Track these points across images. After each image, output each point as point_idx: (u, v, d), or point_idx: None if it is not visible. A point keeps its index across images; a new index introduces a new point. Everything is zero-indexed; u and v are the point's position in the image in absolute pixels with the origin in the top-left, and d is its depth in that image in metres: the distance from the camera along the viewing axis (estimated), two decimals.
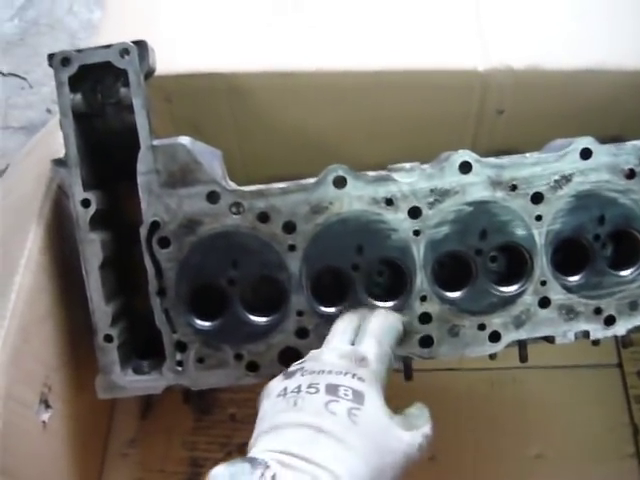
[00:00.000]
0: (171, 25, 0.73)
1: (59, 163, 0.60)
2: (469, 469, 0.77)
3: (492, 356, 0.64)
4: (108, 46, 0.59)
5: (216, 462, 0.78)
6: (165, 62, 0.63)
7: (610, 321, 0.62)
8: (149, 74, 0.61)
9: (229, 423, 0.82)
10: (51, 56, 0.59)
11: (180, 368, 0.61)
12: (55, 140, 0.68)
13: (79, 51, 0.59)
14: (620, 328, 0.63)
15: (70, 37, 1.31)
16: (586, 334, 0.63)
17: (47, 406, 0.65)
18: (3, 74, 1.33)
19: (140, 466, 0.80)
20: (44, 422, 0.64)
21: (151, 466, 0.80)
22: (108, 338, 0.62)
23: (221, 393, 0.83)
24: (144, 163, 0.59)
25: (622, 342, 0.68)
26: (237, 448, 0.80)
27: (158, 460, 0.80)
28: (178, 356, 0.61)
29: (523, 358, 0.65)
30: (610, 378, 0.82)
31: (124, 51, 0.59)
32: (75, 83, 0.60)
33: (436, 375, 0.80)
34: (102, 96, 0.61)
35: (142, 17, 0.75)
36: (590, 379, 0.82)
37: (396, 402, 0.79)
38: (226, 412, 0.83)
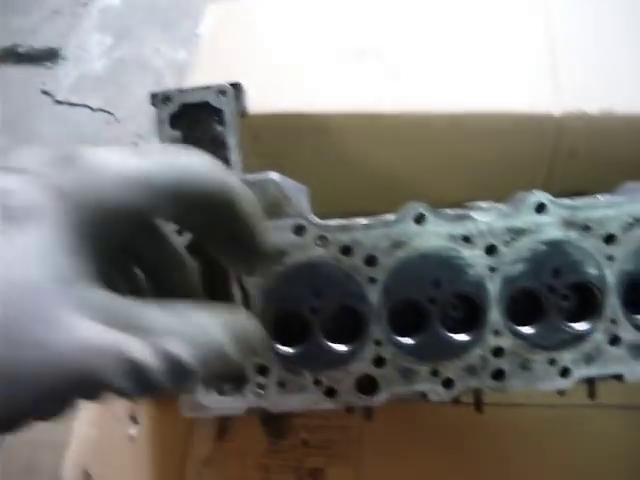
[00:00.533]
0: (260, 66, 0.78)
1: None
2: None
3: (561, 392, 0.66)
4: (207, 87, 0.63)
5: None
6: (253, 101, 0.68)
7: None
8: (242, 114, 0.65)
9: (301, 448, 0.84)
10: (154, 95, 0.64)
11: (261, 391, 0.64)
12: None
13: (180, 90, 0.64)
14: None
15: (156, 75, 1.38)
16: None
17: (135, 421, 0.69)
18: (92, 109, 1.40)
19: None
20: (131, 436, 0.68)
21: None
22: None
23: (295, 419, 0.86)
24: None
25: None
26: (308, 472, 0.82)
27: None
28: (260, 379, 0.64)
29: (592, 395, 0.66)
30: None
31: (221, 92, 0.63)
32: (174, 120, 0.65)
33: (503, 410, 0.81)
34: (198, 134, 0.65)
35: (231, 59, 0.80)
36: None
37: (463, 434, 0.82)
38: (299, 437, 0.85)
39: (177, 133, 0.65)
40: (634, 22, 0.79)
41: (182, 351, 0.33)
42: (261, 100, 0.73)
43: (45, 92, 1.56)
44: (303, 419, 0.86)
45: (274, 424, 0.86)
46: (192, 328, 0.35)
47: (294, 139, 0.76)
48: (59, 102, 1.49)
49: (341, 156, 0.77)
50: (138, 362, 0.32)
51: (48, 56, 1.57)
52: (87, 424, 0.61)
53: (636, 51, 0.77)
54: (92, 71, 1.43)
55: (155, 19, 1.45)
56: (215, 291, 0.70)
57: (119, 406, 0.66)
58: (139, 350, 0.32)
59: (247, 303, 0.63)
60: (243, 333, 0.39)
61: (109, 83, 1.42)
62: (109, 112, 1.38)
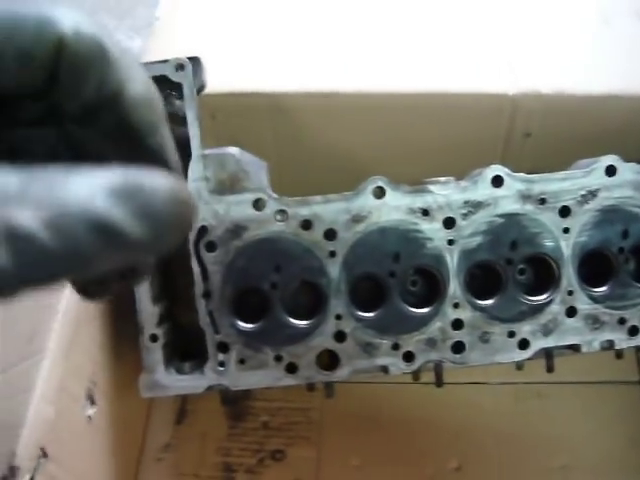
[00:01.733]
0: (217, 46, 0.77)
1: None
2: (495, 479, 0.79)
3: (519, 366, 0.67)
4: (164, 61, 0.63)
5: (249, 467, 0.82)
6: (211, 81, 0.67)
7: (634, 331, 0.65)
8: (201, 89, 0.64)
9: (262, 430, 0.84)
10: None
11: (222, 368, 0.64)
12: None
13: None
14: None
15: None
16: (611, 343, 0.65)
17: (92, 402, 0.68)
18: None
19: (174, 470, 0.82)
20: (89, 417, 0.67)
21: (185, 470, 0.82)
22: (154, 337, 0.64)
23: (254, 401, 0.86)
24: (195, 171, 0.63)
25: None
26: (269, 454, 0.82)
27: (192, 465, 0.82)
28: (220, 357, 0.64)
29: (550, 368, 0.67)
30: (632, 394, 0.85)
31: (179, 66, 0.63)
32: None
33: (462, 388, 0.82)
34: None
35: (188, 39, 0.79)
36: (613, 395, 0.84)
37: (423, 412, 0.83)
38: (259, 420, 0.85)
39: None
40: (586, 4, 0.81)
41: (31, 222, 0.25)
42: (218, 80, 0.73)
43: None
44: (263, 402, 0.86)
45: (234, 407, 0.86)
46: (51, 192, 0.26)
47: (251, 118, 0.75)
48: None
49: (298, 135, 0.77)
50: None
51: None
52: (43, 403, 0.60)
53: (585, 35, 0.78)
54: None
55: (110, 6, 1.44)
56: (172, 267, 0.70)
57: (76, 386, 0.65)
58: None
59: (206, 279, 0.63)
60: (145, 201, 0.27)
61: None
62: None
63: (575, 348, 0.65)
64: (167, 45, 0.81)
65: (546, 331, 0.64)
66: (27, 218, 0.25)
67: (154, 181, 0.28)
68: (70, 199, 0.26)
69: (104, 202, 0.26)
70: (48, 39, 0.30)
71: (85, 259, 0.26)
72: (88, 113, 0.34)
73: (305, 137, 0.77)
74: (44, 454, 0.59)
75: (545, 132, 0.77)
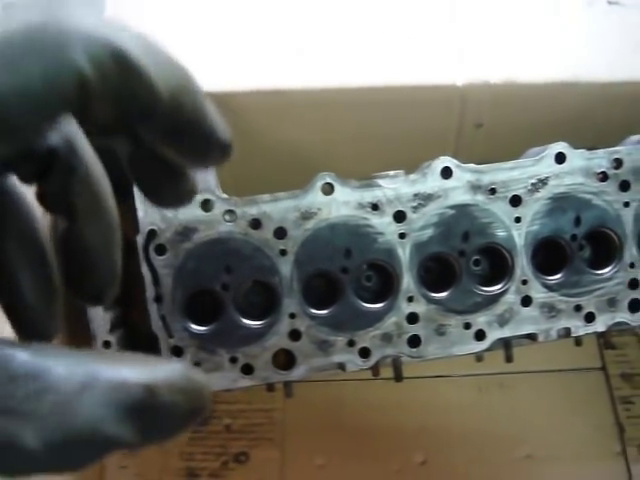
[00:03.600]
0: (161, 45, 0.76)
1: None
2: (460, 471, 0.79)
3: (479, 358, 0.66)
4: None
5: (212, 471, 0.81)
6: None
7: (590, 318, 0.65)
8: None
9: (224, 434, 0.84)
10: None
11: None
12: None
13: None
14: (600, 325, 0.65)
15: None
16: (568, 331, 0.65)
17: None
18: None
19: (138, 477, 0.81)
20: None
21: (149, 477, 0.81)
22: (107, 344, 0.64)
23: (216, 404, 0.85)
24: None
25: (605, 344, 0.71)
26: (233, 457, 0.82)
27: (155, 471, 0.81)
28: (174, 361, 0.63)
29: (509, 358, 0.67)
30: (595, 381, 0.85)
31: None
32: None
33: (424, 382, 0.82)
34: None
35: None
36: (576, 382, 0.84)
37: (386, 408, 0.83)
38: (221, 423, 0.84)
39: None
40: None
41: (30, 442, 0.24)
42: None
43: None
44: (225, 405, 0.85)
45: None
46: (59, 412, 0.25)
47: None
48: None
49: (248, 134, 0.76)
50: None
51: None
52: None
53: (535, 22, 0.78)
54: None
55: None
56: (124, 272, 0.69)
57: None
58: None
59: (157, 283, 0.62)
60: (157, 420, 0.27)
61: None
62: None
63: (532, 337, 0.65)
64: None
65: (502, 321, 0.64)
66: (28, 437, 0.24)
67: (172, 387, 0.27)
68: (77, 422, 0.25)
69: (113, 425, 0.26)
70: (64, 88, 0.27)
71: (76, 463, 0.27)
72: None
73: (255, 136, 0.76)
74: None
75: (496, 122, 0.77)
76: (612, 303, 0.65)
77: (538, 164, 0.64)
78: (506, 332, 0.64)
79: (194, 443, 0.83)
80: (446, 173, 0.63)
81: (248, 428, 0.83)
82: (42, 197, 0.36)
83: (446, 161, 0.63)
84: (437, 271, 0.65)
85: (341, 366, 0.63)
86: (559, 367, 0.85)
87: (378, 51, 0.75)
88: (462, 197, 0.63)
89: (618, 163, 0.65)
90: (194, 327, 0.63)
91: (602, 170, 0.64)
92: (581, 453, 0.80)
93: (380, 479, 0.81)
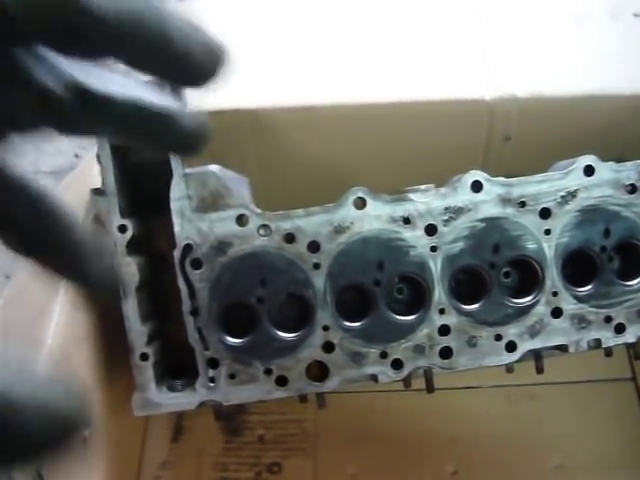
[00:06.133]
0: None
1: (98, 192, 0.65)
2: None
3: (509, 369, 0.67)
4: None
5: None
6: (191, 100, 0.68)
7: (620, 329, 0.65)
8: None
9: (258, 444, 0.85)
10: None
11: (212, 384, 0.64)
12: (86, 180, 0.73)
13: None
14: (630, 336, 0.66)
15: None
16: (598, 342, 0.65)
17: None
18: None
19: None
20: (84, 438, 0.67)
21: None
22: (144, 356, 0.65)
23: (250, 415, 0.86)
24: (177, 190, 0.63)
25: (635, 355, 0.71)
26: (266, 468, 0.83)
27: None
28: (210, 372, 0.64)
29: (539, 369, 0.67)
30: (625, 391, 0.85)
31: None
32: None
33: (455, 393, 0.83)
34: None
35: None
36: (606, 393, 0.85)
37: (417, 418, 0.83)
38: (255, 434, 0.85)
39: None
40: (560, 5, 0.81)
41: None
42: (198, 98, 0.73)
43: None
44: (258, 415, 0.86)
45: (229, 422, 0.86)
46: None
47: (233, 136, 0.76)
48: None
49: (281, 149, 0.77)
50: None
51: None
52: None
53: (562, 36, 0.79)
54: None
55: None
56: (160, 285, 0.71)
57: None
58: None
59: (193, 296, 0.64)
60: None
61: None
62: None
63: (562, 348, 0.66)
64: None
65: (533, 333, 0.65)
66: None
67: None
68: None
69: None
70: None
71: None
72: None
73: (287, 151, 0.78)
74: (40, 477, 0.59)
75: (524, 135, 0.77)
76: None
77: (567, 177, 0.64)
78: (537, 343, 0.65)
79: (228, 454, 0.84)
80: (476, 187, 0.64)
81: (281, 439, 0.84)
82: None
83: (476, 175, 0.64)
84: (468, 283, 0.66)
85: (374, 378, 0.64)
86: (589, 378, 0.85)
87: (407, 67, 0.76)
88: (492, 210, 0.64)
89: None
90: (229, 339, 0.64)
91: (631, 182, 0.65)
92: (611, 464, 0.80)
93: None
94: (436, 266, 0.64)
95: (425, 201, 0.63)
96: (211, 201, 0.63)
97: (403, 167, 0.79)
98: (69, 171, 1.04)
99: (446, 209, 0.64)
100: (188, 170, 0.64)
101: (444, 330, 0.64)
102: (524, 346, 0.65)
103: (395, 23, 0.80)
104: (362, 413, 0.85)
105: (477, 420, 0.83)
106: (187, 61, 0.33)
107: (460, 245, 0.64)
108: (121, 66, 0.33)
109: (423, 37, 0.79)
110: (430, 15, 0.81)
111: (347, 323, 0.64)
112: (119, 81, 0.34)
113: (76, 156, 1.29)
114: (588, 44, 0.78)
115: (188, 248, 0.64)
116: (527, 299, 0.65)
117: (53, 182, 1.21)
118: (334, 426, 0.85)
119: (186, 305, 0.64)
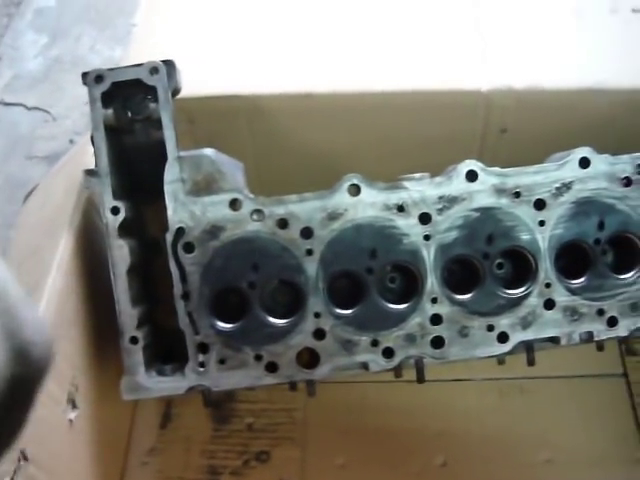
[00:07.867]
0: (194, 50, 0.78)
1: (91, 173, 0.64)
2: (480, 474, 0.79)
3: (501, 361, 0.67)
4: (139, 65, 0.63)
5: (234, 469, 0.82)
6: (188, 85, 0.68)
7: (613, 322, 0.65)
8: (176, 92, 0.65)
9: (246, 432, 0.84)
10: (85, 74, 0.64)
11: (202, 369, 0.64)
12: (82, 160, 0.73)
13: (111, 69, 0.64)
14: (622, 329, 0.65)
15: None
16: (590, 335, 0.65)
17: (74, 406, 0.67)
18: (28, 108, 1.39)
19: (160, 474, 0.82)
20: (70, 420, 0.67)
21: (170, 474, 0.82)
22: (134, 340, 0.64)
23: (239, 403, 0.86)
24: (171, 173, 0.63)
25: (627, 350, 0.71)
26: (254, 456, 0.82)
27: (177, 468, 0.82)
28: (200, 357, 0.64)
29: (531, 361, 0.67)
30: (616, 387, 0.85)
31: (154, 69, 0.63)
32: (107, 99, 0.64)
33: (445, 385, 0.83)
34: (132, 112, 0.65)
35: (166, 44, 0.80)
36: (597, 388, 0.85)
37: (407, 410, 0.83)
38: (243, 422, 0.85)
39: (110, 112, 0.64)
40: (560, 0, 0.81)
41: None
42: (195, 83, 0.73)
43: None
44: (247, 404, 0.86)
45: (218, 410, 0.86)
46: None
47: (229, 121, 0.76)
48: None
49: (276, 136, 0.77)
50: None
51: None
52: None
53: (560, 29, 0.79)
54: (27, 70, 1.42)
55: (91, 18, 1.44)
56: (151, 269, 0.70)
57: (57, 390, 0.65)
58: None
59: (184, 280, 0.63)
60: None
61: (45, 82, 1.41)
62: (45, 110, 1.37)
63: (555, 340, 0.66)
64: (146, 51, 0.81)
65: (525, 324, 0.65)
66: None
67: None
68: None
69: None
70: None
71: None
72: None
73: (283, 137, 0.77)
74: (24, 457, 0.59)
75: (520, 127, 0.77)
76: (635, 308, 0.65)
77: (562, 168, 0.64)
78: (529, 335, 0.65)
79: (216, 441, 0.84)
80: (471, 176, 0.63)
81: (270, 427, 0.84)
82: None
83: (471, 164, 0.63)
84: (461, 273, 0.66)
85: (364, 366, 0.64)
86: (580, 373, 0.85)
87: (404, 56, 0.76)
88: (487, 200, 0.63)
89: None
90: (220, 324, 0.64)
91: (626, 175, 0.64)
92: (601, 458, 0.80)
93: None
94: (429, 255, 0.63)
95: (419, 189, 0.63)
96: (205, 185, 0.63)
97: (399, 156, 0.78)
98: (63, 157, 1.04)
99: (440, 198, 0.63)
100: (182, 153, 0.63)
101: (436, 319, 0.64)
102: (516, 337, 0.65)
103: (393, 14, 0.80)
104: (352, 404, 0.85)
105: (467, 413, 0.83)
106: None
107: (454, 234, 0.63)
108: None
109: (421, 28, 0.79)
110: (428, 6, 0.81)
111: (339, 310, 0.64)
112: None
113: (71, 141, 1.29)
114: (586, 38, 0.78)
115: (180, 231, 0.63)
116: (520, 290, 0.64)
117: (47, 167, 1.21)
118: (323, 416, 0.85)
119: (177, 289, 0.64)
